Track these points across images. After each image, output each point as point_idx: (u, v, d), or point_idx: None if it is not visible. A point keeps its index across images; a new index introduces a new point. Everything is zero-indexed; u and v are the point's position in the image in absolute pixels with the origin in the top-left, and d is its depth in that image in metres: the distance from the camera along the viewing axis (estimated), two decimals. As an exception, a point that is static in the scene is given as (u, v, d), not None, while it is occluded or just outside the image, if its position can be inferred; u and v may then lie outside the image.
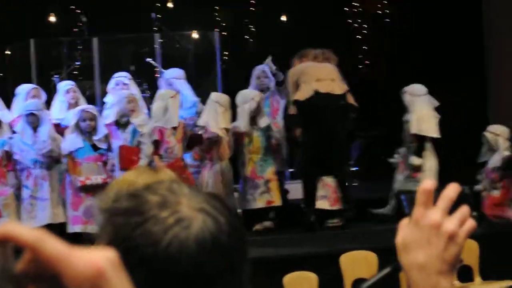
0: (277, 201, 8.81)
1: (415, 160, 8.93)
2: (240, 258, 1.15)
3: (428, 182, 1.28)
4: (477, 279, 7.58)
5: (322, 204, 8.66)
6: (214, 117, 8.61)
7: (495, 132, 8.98)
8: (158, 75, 10.56)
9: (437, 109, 9.10)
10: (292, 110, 8.68)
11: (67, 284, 0.76)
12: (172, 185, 1.17)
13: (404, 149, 9.13)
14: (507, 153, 8.82)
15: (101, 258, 0.77)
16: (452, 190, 1.28)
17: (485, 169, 8.94)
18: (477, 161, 9.05)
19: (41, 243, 0.76)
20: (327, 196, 8.64)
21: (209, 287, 1.11)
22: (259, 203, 8.69)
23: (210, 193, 1.20)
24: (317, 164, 8.45)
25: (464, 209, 1.28)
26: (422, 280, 1.26)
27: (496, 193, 8.72)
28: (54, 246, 0.76)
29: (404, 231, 1.29)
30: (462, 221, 1.27)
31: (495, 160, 8.83)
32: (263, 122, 8.86)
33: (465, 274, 7.32)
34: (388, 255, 1.35)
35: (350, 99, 8.65)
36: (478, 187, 8.81)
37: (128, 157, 8.41)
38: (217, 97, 8.84)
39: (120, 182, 2.16)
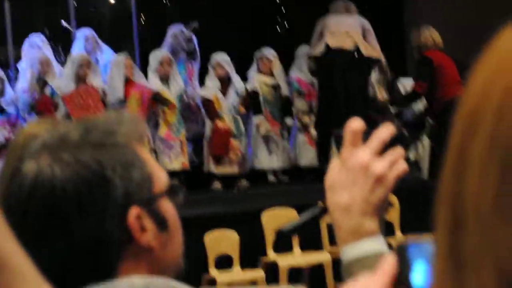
0: (188, 165, 8.81)
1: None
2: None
3: (354, 121, 1.19)
4: (398, 233, 7.71)
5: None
6: None
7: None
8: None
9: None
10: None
11: None
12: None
13: None
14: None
15: None
16: (385, 131, 1.19)
17: None
18: None
19: None
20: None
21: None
22: (175, 165, 8.61)
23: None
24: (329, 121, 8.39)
25: (398, 151, 1.19)
26: (345, 221, 1.19)
27: None
28: None
29: (333, 171, 1.22)
30: (393, 163, 1.18)
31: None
32: (175, 88, 8.80)
33: (386, 229, 7.40)
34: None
35: (370, 51, 8.57)
36: None
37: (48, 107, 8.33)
38: None
39: (19, 134, 2.23)
